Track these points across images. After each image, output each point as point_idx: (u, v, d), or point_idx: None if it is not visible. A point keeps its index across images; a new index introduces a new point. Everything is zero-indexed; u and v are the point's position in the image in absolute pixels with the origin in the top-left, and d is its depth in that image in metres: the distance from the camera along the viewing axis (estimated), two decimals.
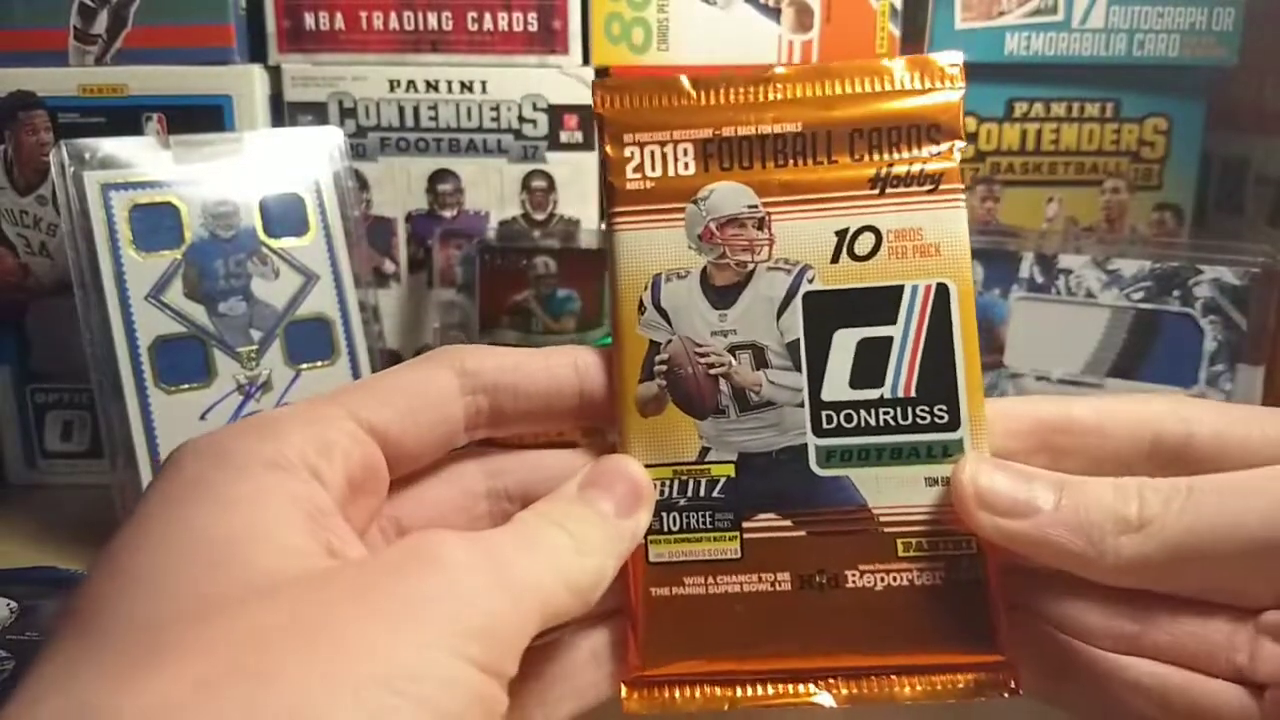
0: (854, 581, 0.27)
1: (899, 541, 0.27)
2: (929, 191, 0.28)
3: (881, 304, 0.27)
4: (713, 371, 0.27)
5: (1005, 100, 0.61)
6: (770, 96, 0.28)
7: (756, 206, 0.28)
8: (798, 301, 0.27)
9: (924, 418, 0.27)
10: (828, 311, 0.27)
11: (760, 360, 0.27)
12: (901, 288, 0.27)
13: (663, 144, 0.28)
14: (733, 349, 0.27)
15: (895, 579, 0.27)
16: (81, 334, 0.47)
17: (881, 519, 0.27)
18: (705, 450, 0.27)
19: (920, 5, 0.59)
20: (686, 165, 0.28)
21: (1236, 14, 0.58)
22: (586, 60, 0.59)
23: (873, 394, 0.27)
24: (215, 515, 0.21)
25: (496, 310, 0.57)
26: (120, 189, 0.48)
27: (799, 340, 0.27)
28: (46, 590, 0.45)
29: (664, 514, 0.27)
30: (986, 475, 0.26)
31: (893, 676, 0.27)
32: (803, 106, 0.28)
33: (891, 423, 0.27)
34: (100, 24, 0.55)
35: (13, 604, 0.44)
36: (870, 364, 0.27)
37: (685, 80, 0.28)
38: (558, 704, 0.27)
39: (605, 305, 0.57)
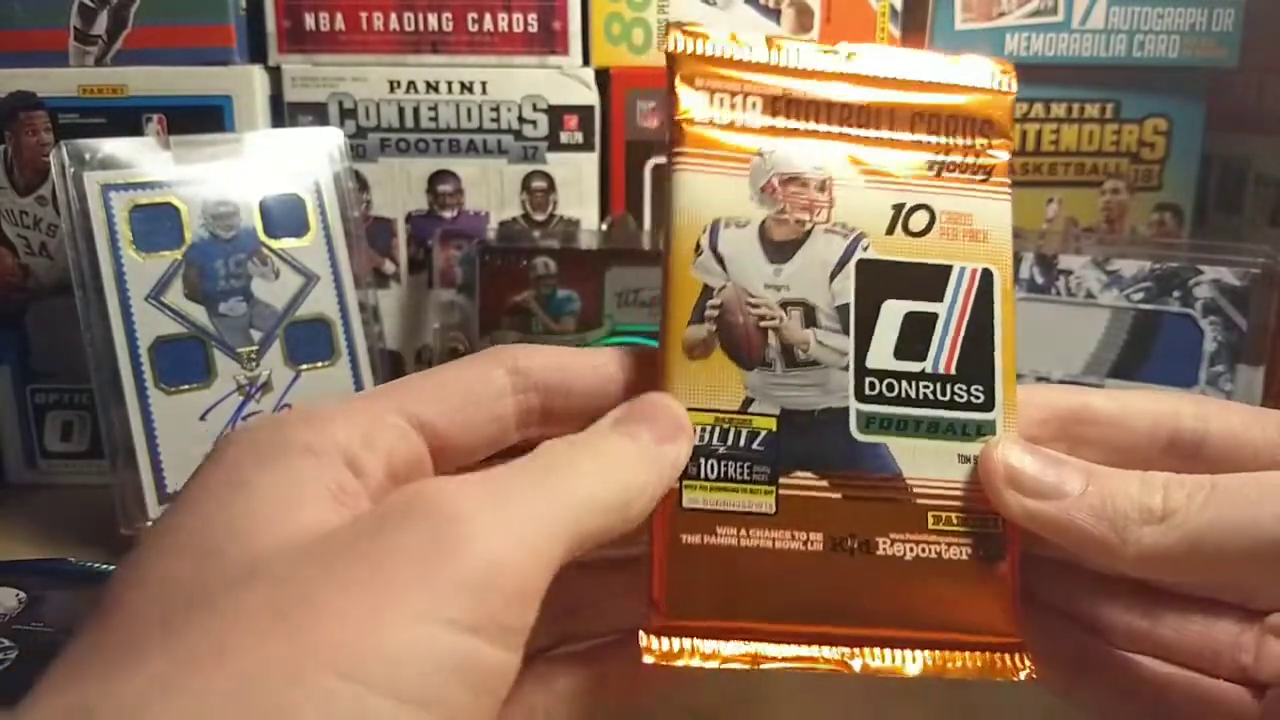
0: (884, 549, 0.27)
1: (930, 514, 0.27)
2: (981, 181, 0.28)
3: (930, 280, 0.28)
4: (763, 324, 0.27)
5: None
6: (839, 69, 0.29)
7: (821, 168, 0.28)
8: (851, 267, 0.28)
9: (961, 396, 0.27)
10: (879, 280, 0.28)
11: (810, 319, 0.27)
12: (950, 267, 0.28)
13: (733, 93, 0.28)
14: (784, 304, 0.27)
15: (924, 550, 0.27)
16: (81, 334, 0.47)
17: (915, 490, 0.27)
18: (749, 401, 0.27)
19: (920, 6, 0.59)
20: (754, 119, 0.28)
21: (1236, 15, 0.58)
22: (586, 61, 0.59)
23: (915, 367, 0.27)
24: (235, 502, 0.21)
25: (496, 311, 0.57)
26: (120, 189, 0.48)
27: (849, 305, 0.27)
28: (56, 582, 0.45)
29: (702, 460, 0.27)
30: (1017, 456, 0.26)
31: (909, 650, 0.26)
32: (870, 83, 0.29)
33: (931, 397, 0.27)
34: (100, 24, 0.55)
35: (21, 594, 0.44)
36: (915, 337, 0.28)
37: (761, 37, 0.29)
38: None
39: (604, 307, 0.57)
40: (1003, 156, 0.29)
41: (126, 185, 0.49)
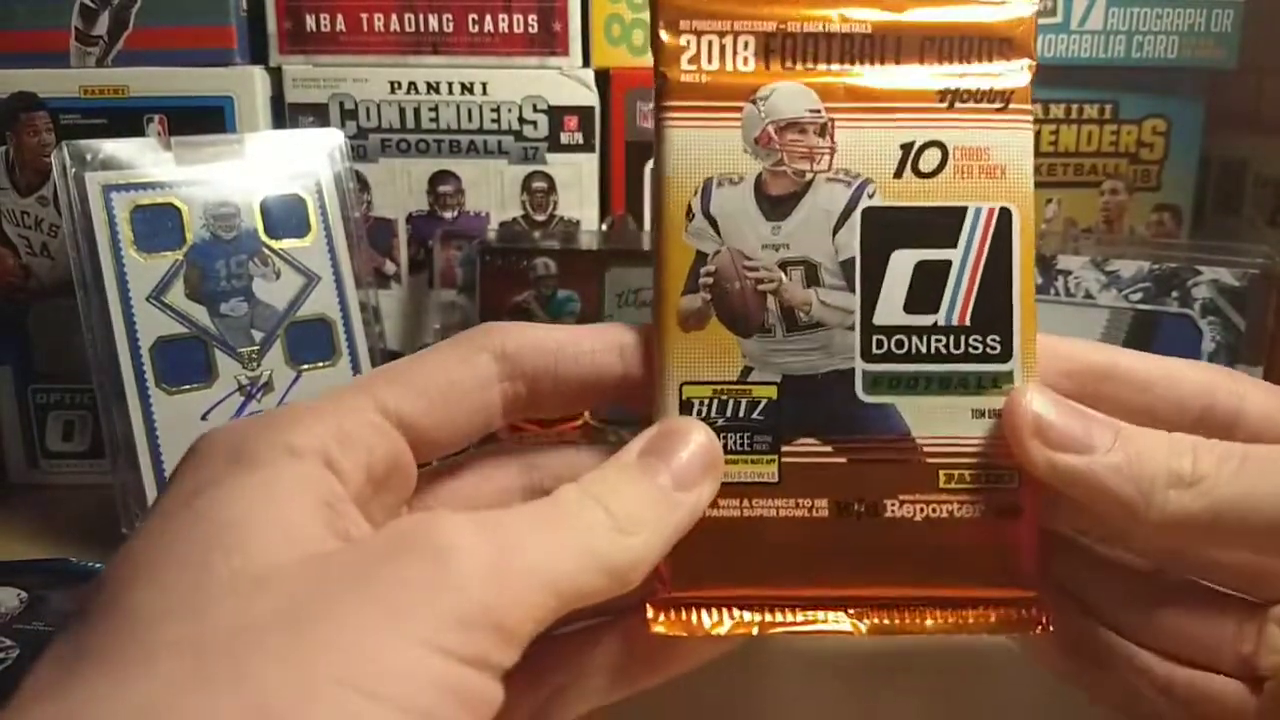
0: (893, 511, 0.26)
1: (941, 473, 0.26)
2: (999, 110, 0.26)
3: (943, 225, 0.26)
4: (761, 288, 0.26)
5: None
6: None
7: (819, 111, 0.26)
8: (856, 217, 0.26)
9: (976, 348, 0.26)
10: (886, 230, 0.26)
11: (812, 278, 0.26)
12: (965, 209, 0.26)
13: (721, 34, 0.26)
14: (784, 264, 0.26)
15: (935, 510, 0.26)
16: (83, 335, 0.47)
17: (925, 449, 0.26)
18: (748, 370, 0.26)
19: None
20: (746, 60, 0.26)
21: (1235, 16, 0.58)
22: (587, 62, 0.59)
23: (926, 320, 0.26)
24: (223, 504, 0.21)
25: (497, 311, 0.57)
26: (122, 190, 0.48)
27: (854, 259, 0.26)
28: (57, 581, 0.46)
29: None
30: (1044, 405, 0.25)
31: (922, 609, 0.26)
32: (873, 6, 0.26)
33: (943, 351, 0.26)
34: (101, 25, 0.55)
35: (23, 594, 0.44)
36: (927, 288, 0.26)
37: None
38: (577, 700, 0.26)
39: (604, 308, 0.57)
40: (1023, 79, 0.26)
41: (128, 186, 0.49)
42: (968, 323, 0.26)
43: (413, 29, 0.58)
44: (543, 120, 0.59)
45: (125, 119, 0.55)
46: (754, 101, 0.26)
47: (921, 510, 0.26)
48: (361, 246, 0.53)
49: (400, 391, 0.24)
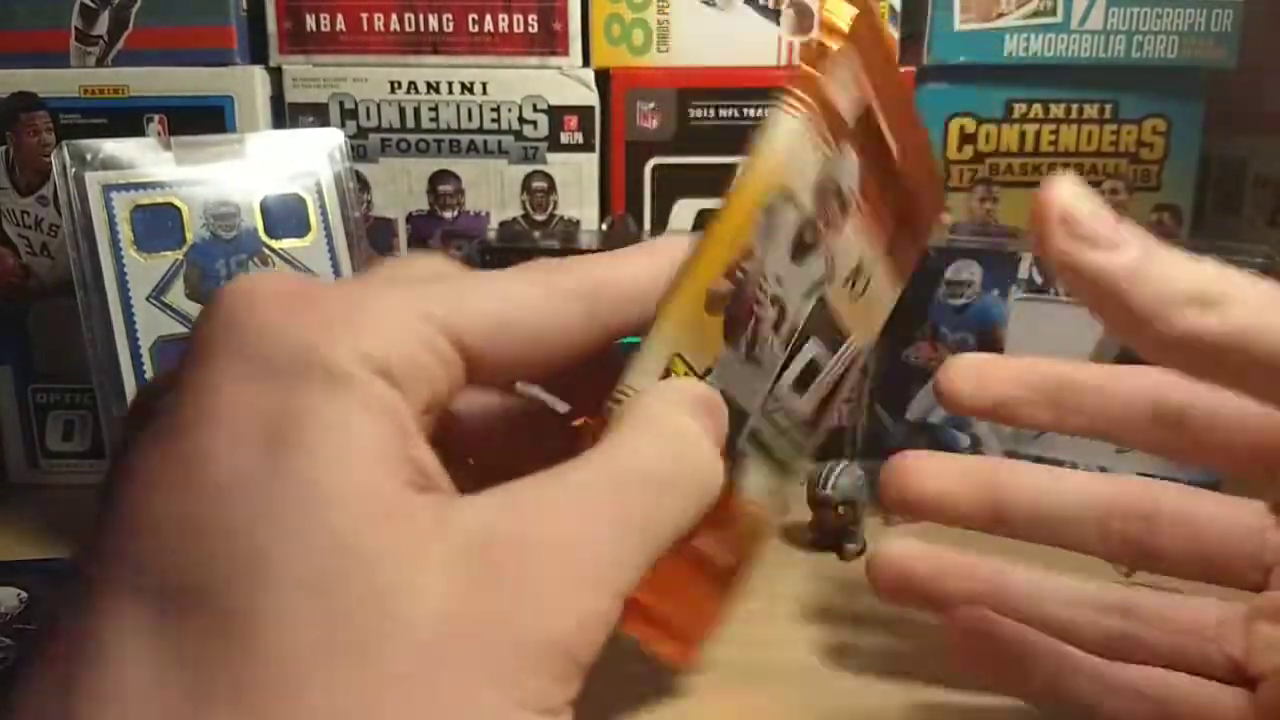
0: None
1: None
2: (898, 276, 0.33)
3: (838, 340, 0.30)
4: (756, 307, 0.27)
5: (1004, 102, 0.61)
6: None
7: (847, 201, 0.29)
8: (814, 298, 0.29)
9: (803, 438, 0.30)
10: (819, 322, 0.29)
11: (778, 324, 0.28)
12: (848, 338, 0.30)
13: (849, 82, 0.27)
14: (774, 299, 0.27)
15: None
16: (83, 335, 0.47)
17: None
18: (709, 370, 0.26)
19: (919, 6, 0.59)
20: (846, 120, 0.27)
21: (1235, 15, 0.59)
22: (587, 62, 0.59)
23: (796, 403, 0.30)
24: (317, 469, 0.18)
25: None
26: (121, 190, 0.48)
27: (797, 327, 0.28)
28: (57, 581, 0.46)
29: None
30: (1076, 196, 0.24)
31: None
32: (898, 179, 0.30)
33: (793, 435, 0.30)
34: (101, 25, 0.55)
35: (22, 594, 0.44)
36: (807, 378, 0.30)
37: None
38: None
39: None
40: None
41: (128, 186, 0.49)
42: (810, 417, 0.30)
43: (413, 29, 0.58)
44: (543, 120, 0.59)
45: (125, 119, 0.55)
46: (839, 149, 0.27)
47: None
48: (361, 246, 0.53)
49: (473, 317, 0.21)
